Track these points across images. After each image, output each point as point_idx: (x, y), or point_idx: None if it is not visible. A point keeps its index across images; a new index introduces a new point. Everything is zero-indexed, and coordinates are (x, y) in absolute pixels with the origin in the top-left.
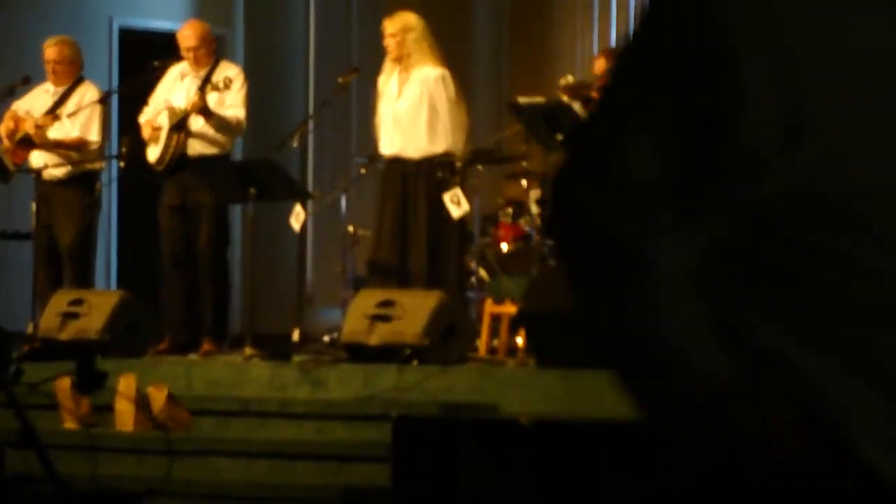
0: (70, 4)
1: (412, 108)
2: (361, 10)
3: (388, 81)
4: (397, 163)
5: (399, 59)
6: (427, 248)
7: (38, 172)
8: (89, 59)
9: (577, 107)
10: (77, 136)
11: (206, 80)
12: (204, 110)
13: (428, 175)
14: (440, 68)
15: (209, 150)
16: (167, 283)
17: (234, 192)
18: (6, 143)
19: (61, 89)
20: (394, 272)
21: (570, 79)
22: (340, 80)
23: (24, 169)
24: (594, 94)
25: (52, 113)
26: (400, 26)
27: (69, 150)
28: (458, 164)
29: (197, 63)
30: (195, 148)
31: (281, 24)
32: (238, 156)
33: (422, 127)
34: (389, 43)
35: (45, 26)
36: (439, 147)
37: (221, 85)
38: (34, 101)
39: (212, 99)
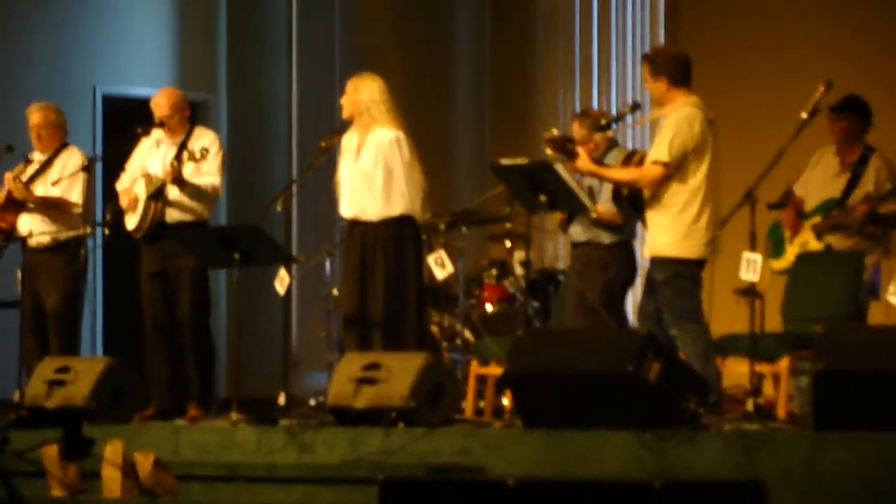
0: (53, 72)
1: (368, 171)
2: (344, 74)
3: (350, 142)
4: (356, 225)
5: (351, 118)
6: (386, 308)
7: (23, 240)
8: (73, 125)
9: (559, 167)
10: (59, 196)
11: (182, 148)
12: (178, 180)
13: (385, 237)
14: (395, 130)
15: (187, 216)
16: (150, 349)
17: (218, 257)
18: None
19: (45, 156)
20: (359, 333)
21: (554, 132)
22: (323, 144)
23: (11, 237)
24: (577, 150)
25: (35, 178)
26: (353, 86)
27: (52, 207)
28: (442, 227)
29: (171, 130)
30: (173, 215)
31: (263, 88)
32: (222, 220)
33: (378, 190)
34: (343, 101)
35: (29, 94)
36: (396, 209)
37: (198, 155)
38: (23, 171)
39: (188, 168)
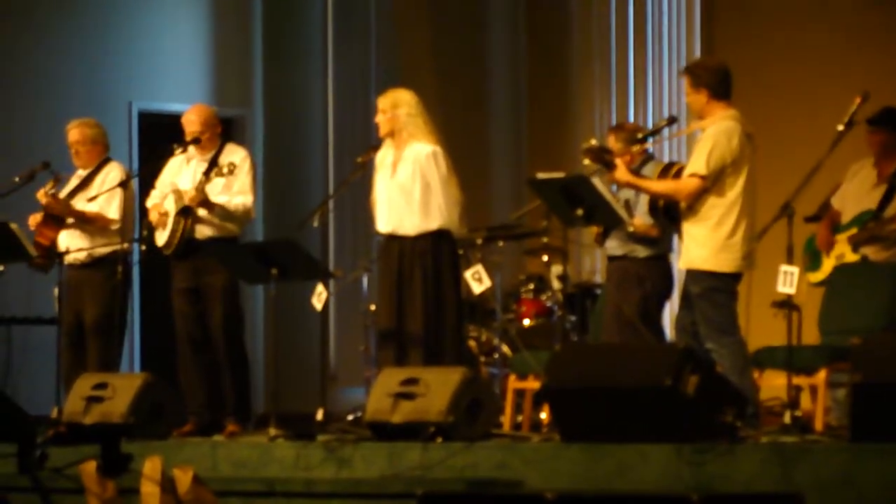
0: (90, 89)
1: (406, 186)
2: (380, 89)
3: (385, 158)
4: (394, 240)
5: (390, 135)
6: (424, 323)
7: (60, 256)
8: (109, 141)
9: (596, 181)
10: (96, 211)
11: (212, 164)
12: (205, 203)
13: (423, 252)
14: (432, 145)
15: (216, 233)
16: (185, 364)
17: (255, 272)
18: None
19: (86, 172)
20: (396, 348)
21: (592, 142)
22: (359, 159)
23: (52, 253)
24: (616, 160)
25: (76, 194)
26: (390, 102)
27: (88, 222)
28: (479, 241)
29: (202, 147)
30: (203, 232)
31: (300, 104)
32: (258, 236)
33: (416, 204)
34: (380, 119)
35: (66, 111)
36: (434, 223)
37: (226, 170)
38: (68, 187)
39: (218, 184)
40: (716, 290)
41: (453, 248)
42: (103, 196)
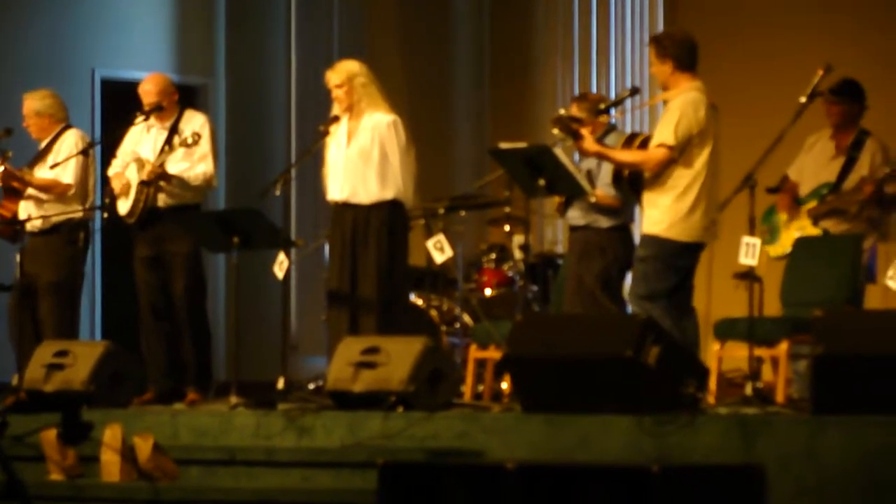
0: (52, 55)
1: (364, 153)
2: (343, 58)
3: (337, 129)
4: (347, 208)
5: (349, 109)
6: (378, 290)
7: (21, 224)
8: (71, 108)
9: (558, 151)
10: (50, 178)
11: (173, 132)
12: (163, 176)
13: (379, 222)
14: (391, 114)
15: (179, 201)
16: (147, 333)
17: (218, 240)
18: None
19: (44, 143)
20: (349, 315)
21: (561, 112)
22: (322, 128)
23: (16, 223)
24: (581, 131)
25: (34, 164)
26: (346, 76)
27: (42, 190)
28: (441, 211)
29: (161, 115)
30: (165, 200)
31: (262, 72)
32: (220, 204)
33: (373, 172)
34: (338, 94)
35: (27, 78)
36: (389, 193)
37: (191, 140)
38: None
39: (179, 153)
40: (669, 256)
41: (406, 219)
42: (61, 164)
